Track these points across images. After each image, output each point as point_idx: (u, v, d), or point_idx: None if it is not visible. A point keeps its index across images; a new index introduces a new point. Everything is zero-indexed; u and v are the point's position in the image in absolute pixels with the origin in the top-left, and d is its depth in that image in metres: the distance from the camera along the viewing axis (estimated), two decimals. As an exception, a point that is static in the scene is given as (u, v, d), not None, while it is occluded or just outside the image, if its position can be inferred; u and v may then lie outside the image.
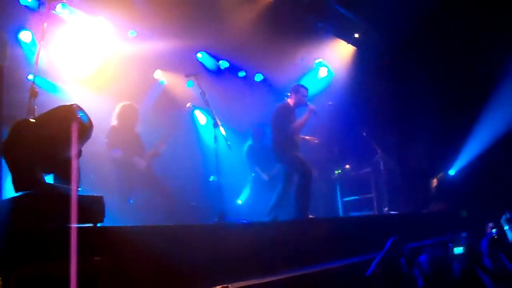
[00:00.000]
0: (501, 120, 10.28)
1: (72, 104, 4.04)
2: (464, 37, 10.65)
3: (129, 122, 7.71)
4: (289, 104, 7.80)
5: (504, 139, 10.27)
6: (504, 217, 6.68)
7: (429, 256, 5.43)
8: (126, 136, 7.59)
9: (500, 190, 9.48)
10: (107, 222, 4.05)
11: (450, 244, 5.20)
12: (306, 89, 7.98)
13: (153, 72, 9.64)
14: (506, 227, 6.44)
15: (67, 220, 3.61)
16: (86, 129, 4.05)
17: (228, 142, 6.89)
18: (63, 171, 4.00)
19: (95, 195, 4.05)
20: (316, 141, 8.23)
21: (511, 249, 5.73)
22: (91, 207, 3.92)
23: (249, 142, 9.67)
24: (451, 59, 10.84)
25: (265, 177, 9.29)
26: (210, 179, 9.48)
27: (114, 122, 7.62)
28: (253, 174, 9.57)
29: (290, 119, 7.60)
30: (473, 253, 5.03)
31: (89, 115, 4.15)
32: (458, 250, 5.09)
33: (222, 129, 6.89)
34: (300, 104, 7.81)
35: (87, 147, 4.30)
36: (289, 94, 7.95)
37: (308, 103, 7.80)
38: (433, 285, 5.00)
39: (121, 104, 7.73)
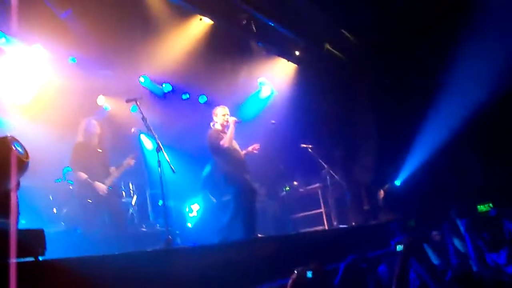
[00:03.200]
0: (441, 129, 10.59)
1: (6, 136, 3.95)
2: (401, 52, 10.96)
3: (94, 138, 7.67)
4: (216, 129, 7.84)
5: (445, 147, 10.58)
6: (445, 226, 6.89)
7: (388, 266, 5.55)
8: (91, 153, 7.53)
9: (444, 197, 9.75)
10: (52, 255, 3.96)
11: (392, 242, 5.32)
12: (223, 107, 8.02)
13: (96, 98, 9.50)
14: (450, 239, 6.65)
15: (7, 255, 3.51)
16: (22, 161, 3.96)
17: (172, 166, 6.82)
18: (1, 204, 3.90)
19: (35, 228, 3.95)
20: (256, 151, 8.20)
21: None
22: (31, 241, 3.82)
23: (206, 171, 9.62)
24: (390, 72, 11.13)
25: (213, 198, 9.29)
26: (159, 203, 9.41)
27: (79, 138, 7.58)
28: (201, 196, 9.54)
29: (219, 142, 7.63)
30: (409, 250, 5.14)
31: (25, 146, 4.06)
32: (399, 247, 5.22)
33: (165, 154, 6.82)
34: (225, 124, 7.85)
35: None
36: (212, 122, 7.98)
37: (230, 119, 7.83)
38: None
39: (85, 119, 7.73)
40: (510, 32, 9.65)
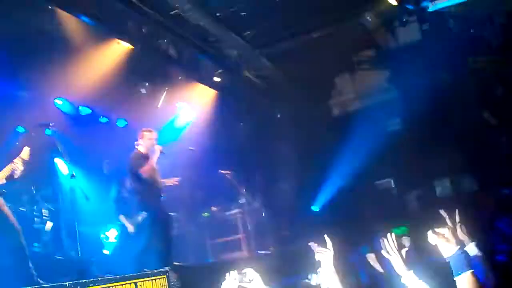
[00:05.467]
0: (357, 155, 10.91)
1: None
2: (319, 80, 11.26)
3: None
4: (139, 151, 7.72)
5: (362, 173, 10.89)
6: (364, 250, 7.04)
7: None
8: None
9: (361, 222, 10.00)
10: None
11: None
12: (151, 131, 7.90)
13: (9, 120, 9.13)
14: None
15: None
16: None
17: (86, 194, 6.63)
18: None
19: None
20: (177, 182, 8.13)
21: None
22: None
23: (114, 193, 9.43)
24: (309, 97, 11.40)
25: (130, 228, 9.10)
26: (73, 231, 9.11)
27: None
28: (119, 223, 9.33)
29: (142, 165, 7.51)
30: None
31: None
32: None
33: (76, 180, 6.61)
34: (151, 148, 7.76)
35: None
36: (136, 142, 7.87)
37: (156, 145, 7.75)
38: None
39: None
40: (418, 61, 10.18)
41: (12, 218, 6.36)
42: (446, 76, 10.79)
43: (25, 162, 6.49)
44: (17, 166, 6.40)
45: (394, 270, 6.32)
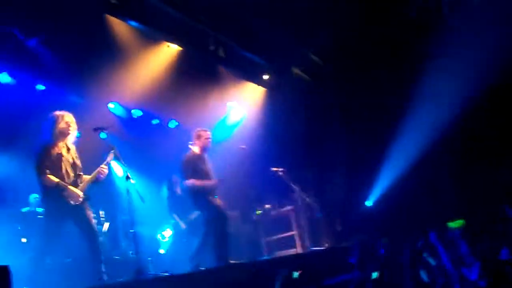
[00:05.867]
0: (411, 148, 10.72)
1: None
2: (369, 71, 11.11)
3: (64, 136, 6.45)
4: (194, 152, 7.77)
5: (416, 166, 10.69)
6: (418, 244, 6.96)
7: None
8: (60, 155, 6.33)
9: (416, 217, 9.83)
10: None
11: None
12: (207, 131, 7.93)
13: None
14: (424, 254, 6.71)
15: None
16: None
17: (141, 195, 6.74)
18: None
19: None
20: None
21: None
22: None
23: (166, 193, 9.59)
24: (360, 92, 11.26)
25: (182, 225, 9.27)
26: (130, 231, 9.30)
27: (48, 136, 6.36)
28: (173, 222, 9.49)
29: (197, 165, 7.57)
30: None
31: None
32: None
33: (132, 181, 6.72)
34: (206, 148, 7.81)
35: None
36: (191, 142, 7.92)
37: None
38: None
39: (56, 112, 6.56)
40: (474, 48, 9.83)
41: (93, 221, 6.52)
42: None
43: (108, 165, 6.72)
44: (103, 170, 6.64)
45: (451, 265, 6.25)
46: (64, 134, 6.43)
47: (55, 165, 6.23)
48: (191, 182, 7.41)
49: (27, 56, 8.34)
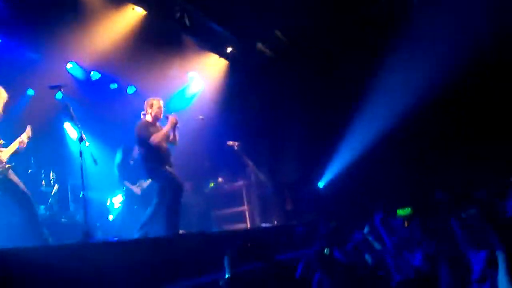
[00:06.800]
0: (366, 133, 10.86)
1: None
2: (331, 55, 11.18)
3: None
4: (146, 120, 7.69)
5: (370, 150, 10.85)
6: (366, 229, 7.09)
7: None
8: None
9: (367, 200, 10.01)
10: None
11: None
12: (159, 100, 7.85)
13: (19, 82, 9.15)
14: (370, 238, 6.85)
15: None
16: None
17: (94, 158, 6.68)
18: None
19: None
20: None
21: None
22: None
23: (118, 159, 9.48)
24: (320, 74, 11.33)
25: (136, 191, 9.21)
26: (80, 195, 9.18)
27: None
28: (124, 188, 9.40)
29: (151, 133, 7.49)
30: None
31: None
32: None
33: (87, 144, 6.67)
34: (158, 117, 7.74)
35: None
36: (143, 111, 7.85)
37: (168, 114, 7.73)
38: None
39: None
40: (437, 38, 9.97)
41: (22, 185, 6.49)
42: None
43: (29, 138, 6.79)
44: (23, 142, 6.69)
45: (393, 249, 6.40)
46: None
47: None
48: (152, 138, 7.32)
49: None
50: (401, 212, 8.27)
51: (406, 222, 7.57)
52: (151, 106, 7.73)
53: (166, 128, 7.55)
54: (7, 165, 6.36)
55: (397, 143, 10.68)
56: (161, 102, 7.83)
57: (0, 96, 6.66)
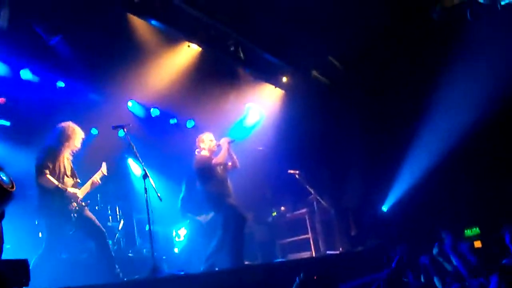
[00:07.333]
0: (429, 154, 10.63)
1: (-10, 165, 3.90)
2: (388, 75, 11.05)
3: (71, 144, 6.78)
4: (203, 155, 7.86)
5: (433, 172, 10.60)
6: (434, 250, 6.92)
7: None
8: (62, 163, 6.63)
9: (432, 223, 9.75)
10: (35, 284, 3.91)
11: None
12: (209, 133, 8.12)
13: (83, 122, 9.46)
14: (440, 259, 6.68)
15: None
16: (6, 191, 3.91)
17: (159, 194, 6.83)
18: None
19: (19, 259, 3.90)
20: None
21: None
22: (14, 271, 3.78)
23: (182, 193, 9.62)
24: (378, 96, 11.22)
25: (202, 219, 9.29)
26: (146, 229, 9.34)
27: (52, 142, 6.69)
28: (188, 221, 9.50)
29: (210, 167, 7.62)
30: None
31: (10, 175, 4.02)
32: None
33: (151, 180, 6.83)
34: (213, 149, 7.90)
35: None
36: (197, 149, 7.99)
37: (220, 141, 7.85)
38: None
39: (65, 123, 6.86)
40: (499, 53, 9.72)
41: (97, 222, 6.72)
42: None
43: (103, 177, 7.02)
44: (97, 180, 6.95)
45: (467, 273, 6.19)
46: (69, 143, 6.74)
47: (56, 168, 6.53)
48: (214, 160, 7.65)
49: (49, 53, 8.43)
50: (469, 232, 8.03)
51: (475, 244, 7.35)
52: (203, 141, 7.95)
53: (223, 151, 7.68)
54: (83, 203, 6.61)
55: (461, 161, 10.41)
56: (211, 135, 8.04)
57: (79, 134, 6.92)
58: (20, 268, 3.83)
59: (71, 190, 6.50)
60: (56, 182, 6.39)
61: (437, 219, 9.96)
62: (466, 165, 10.50)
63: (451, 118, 10.41)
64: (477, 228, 8.94)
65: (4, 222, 4.07)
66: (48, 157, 6.49)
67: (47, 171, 6.37)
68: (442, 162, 10.51)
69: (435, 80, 10.35)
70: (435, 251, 7.02)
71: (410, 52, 10.61)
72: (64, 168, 6.61)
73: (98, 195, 8.85)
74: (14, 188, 4.01)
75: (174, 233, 9.82)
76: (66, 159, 6.69)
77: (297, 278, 4.91)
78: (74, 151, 6.87)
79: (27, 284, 3.82)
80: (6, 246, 4.04)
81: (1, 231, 3.98)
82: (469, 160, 10.41)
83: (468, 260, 6.42)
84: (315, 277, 5.04)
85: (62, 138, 6.71)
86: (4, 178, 3.92)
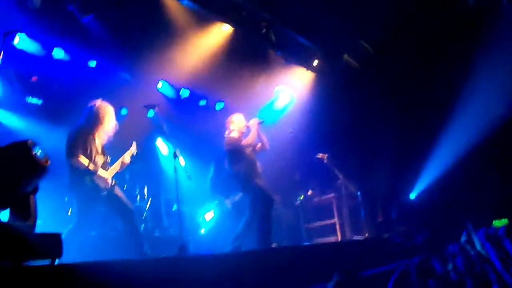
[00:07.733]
0: (458, 142, 10.49)
1: (27, 140, 3.96)
2: (421, 62, 10.89)
3: (104, 126, 6.73)
4: (232, 137, 7.82)
5: (462, 161, 10.47)
6: (462, 238, 6.83)
7: None
8: (93, 142, 6.59)
9: (460, 212, 9.65)
10: (67, 258, 3.98)
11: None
12: (239, 114, 8.08)
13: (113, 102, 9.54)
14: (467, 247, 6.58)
15: (24, 259, 3.55)
16: (41, 166, 3.97)
17: (188, 173, 6.86)
18: (19, 207, 3.94)
19: (52, 232, 3.96)
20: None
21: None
22: (48, 244, 3.84)
23: (211, 174, 9.65)
24: (410, 83, 11.07)
25: (228, 204, 9.32)
26: (173, 209, 9.42)
27: (83, 122, 6.65)
28: (216, 202, 9.54)
29: (239, 148, 7.62)
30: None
31: (45, 150, 4.07)
32: None
33: (181, 160, 6.86)
34: (243, 130, 7.87)
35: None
36: (226, 131, 7.96)
37: (249, 122, 7.84)
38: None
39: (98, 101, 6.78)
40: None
41: (126, 200, 6.75)
42: None
43: (132, 156, 7.06)
44: (127, 160, 6.97)
45: (500, 263, 6.10)
46: (101, 122, 6.67)
47: (88, 149, 6.48)
48: (244, 141, 7.64)
49: (80, 32, 8.49)
50: (497, 223, 7.90)
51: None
52: (233, 122, 7.92)
53: (252, 132, 7.67)
54: (113, 181, 6.65)
55: (491, 152, 10.25)
56: (242, 116, 8.00)
57: (111, 115, 6.87)
58: (53, 241, 3.90)
59: (101, 173, 6.49)
60: (86, 164, 6.35)
61: (465, 209, 9.86)
62: (496, 156, 10.34)
63: (483, 108, 10.24)
64: (506, 219, 8.82)
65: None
66: (80, 137, 6.47)
67: (78, 152, 6.35)
68: (472, 152, 10.36)
69: (470, 68, 10.17)
70: (463, 238, 6.93)
71: (445, 38, 10.43)
72: (96, 147, 6.59)
73: (127, 175, 8.93)
74: (49, 163, 4.08)
75: (201, 215, 9.87)
76: (97, 138, 6.66)
77: (334, 275, 4.84)
78: (107, 133, 6.81)
79: (59, 257, 3.89)
80: (38, 222, 4.09)
81: (35, 205, 4.05)
82: (499, 151, 10.25)
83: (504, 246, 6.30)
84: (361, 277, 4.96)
85: (94, 119, 6.66)
86: (39, 153, 3.99)
